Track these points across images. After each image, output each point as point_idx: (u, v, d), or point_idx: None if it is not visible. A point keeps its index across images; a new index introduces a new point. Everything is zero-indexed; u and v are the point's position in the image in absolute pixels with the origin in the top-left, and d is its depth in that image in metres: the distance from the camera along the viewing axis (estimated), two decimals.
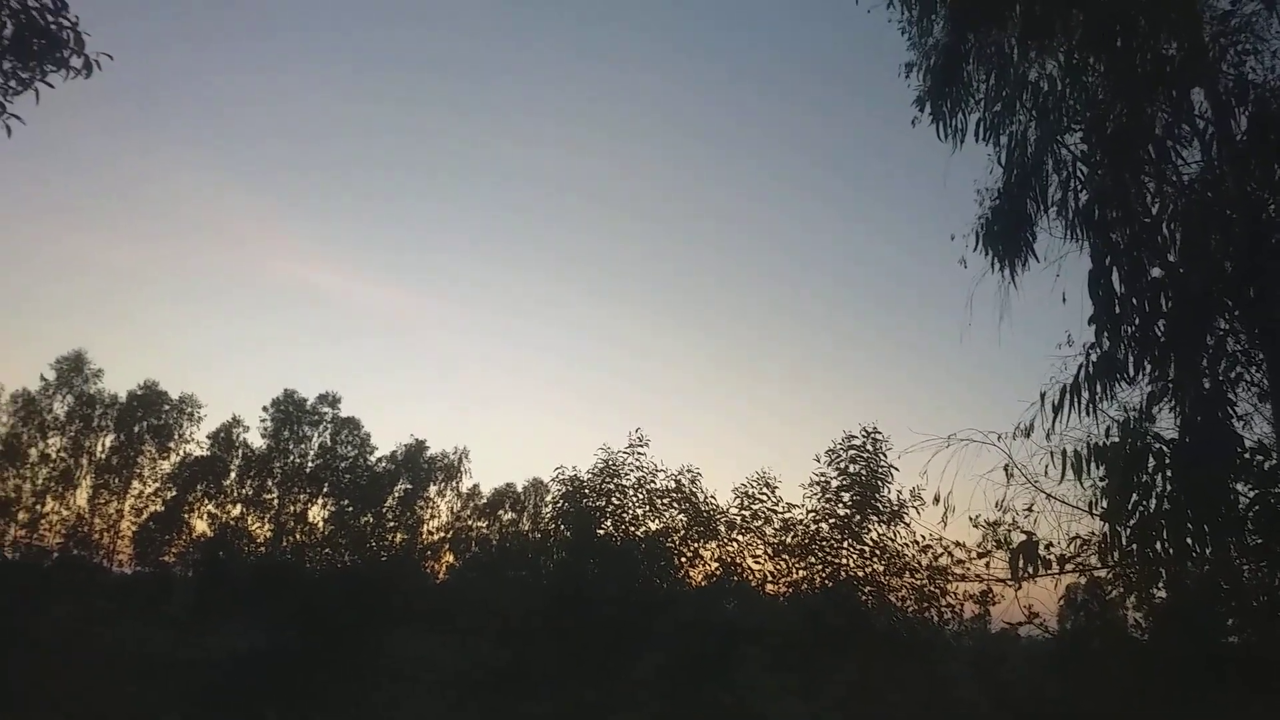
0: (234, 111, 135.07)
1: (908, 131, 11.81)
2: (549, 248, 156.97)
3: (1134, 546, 8.48)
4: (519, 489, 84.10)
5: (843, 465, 20.97)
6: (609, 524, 23.86)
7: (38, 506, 68.67)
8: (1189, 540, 8.27)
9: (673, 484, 24.06)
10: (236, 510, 73.25)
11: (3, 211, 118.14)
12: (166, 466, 72.16)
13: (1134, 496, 8.29)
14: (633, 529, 23.92)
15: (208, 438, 73.08)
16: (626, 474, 24.19)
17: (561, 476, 24.82)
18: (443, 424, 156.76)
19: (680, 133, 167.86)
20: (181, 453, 72.57)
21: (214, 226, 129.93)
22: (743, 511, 22.30)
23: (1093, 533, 9.23)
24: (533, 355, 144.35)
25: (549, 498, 32.03)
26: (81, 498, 70.59)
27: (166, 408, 72.33)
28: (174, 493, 71.34)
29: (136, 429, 71.56)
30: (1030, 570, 9.06)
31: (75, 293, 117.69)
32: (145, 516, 70.81)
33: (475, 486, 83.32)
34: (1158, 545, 8.40)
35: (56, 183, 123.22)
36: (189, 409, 72.86)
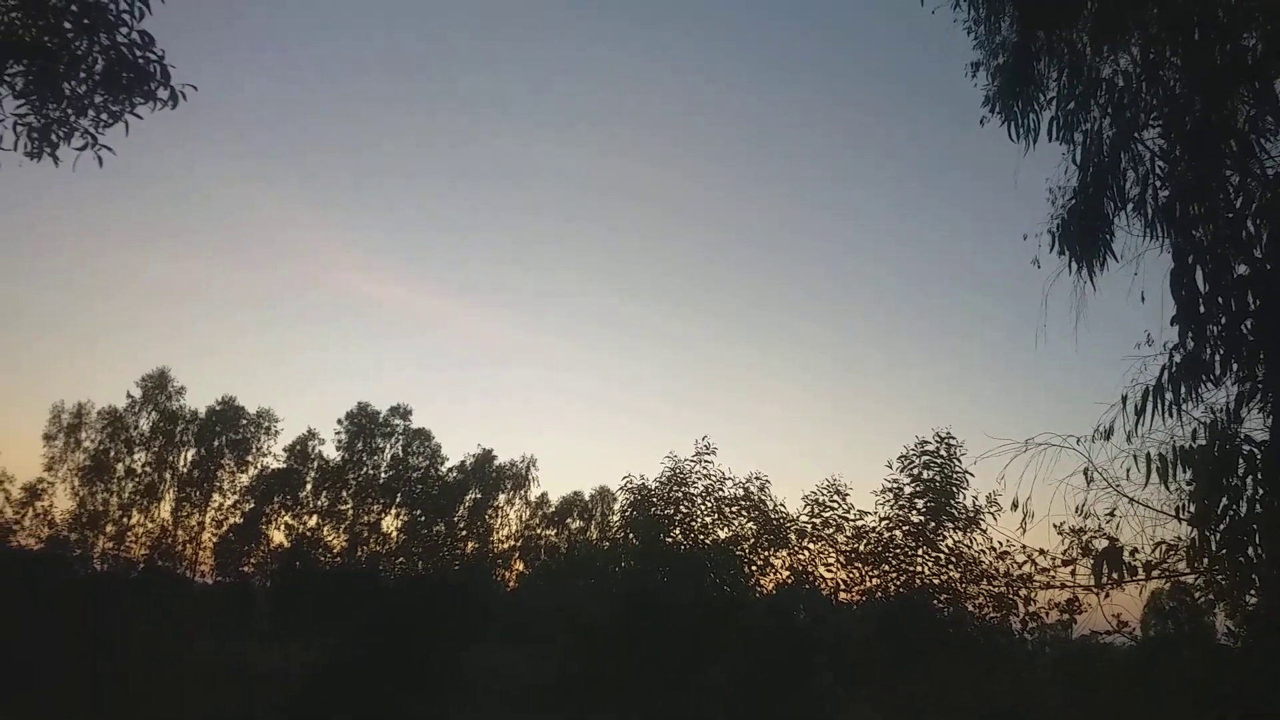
0: (297, 126, 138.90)
1: (976, 131, 11.65)
2: (613, 256, 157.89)
3: (1224, 552, 8.24)
4: (586, 497, 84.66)
5: (915, 471, 20.72)
6: (677, 532, 23.87)
7: (124, 519, 71.25)
8: None
9: (741, 492, 24.00)
10: (313, 521, 74.99)
11: (78, 236, 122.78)
12: (245, 479, 74.32)
13: (1223, 500, 8.06)
14: (701, 537, 23.90)
15: (284, 451, 75.07)
16: (694, 482, 24.20)
17: (629, 485, 24.92)
18: (510, 434, 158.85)
19: (746, 138, 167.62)
20: (259, 466, 74.67)
21: (283, 243, 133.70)
22: (813, 519, 22.18)
23: (1179, 538, 8.97)
24: (599, 363, 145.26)
25: (617, 506, 32.23)
26: (165, 510, 73.06)
27: (244, 422, 74.46)
28: (252, 505, 73.31)
29: (216, 443, 73.75)
30: (1115, 577, 8.84)
31: (158, 314, 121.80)
32: (225, 528, 72.90)
33: (544, 495, 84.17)
34: (1249, 550, 8.16)
35: (129, 205, 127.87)
36: (266, 423, 74.96)
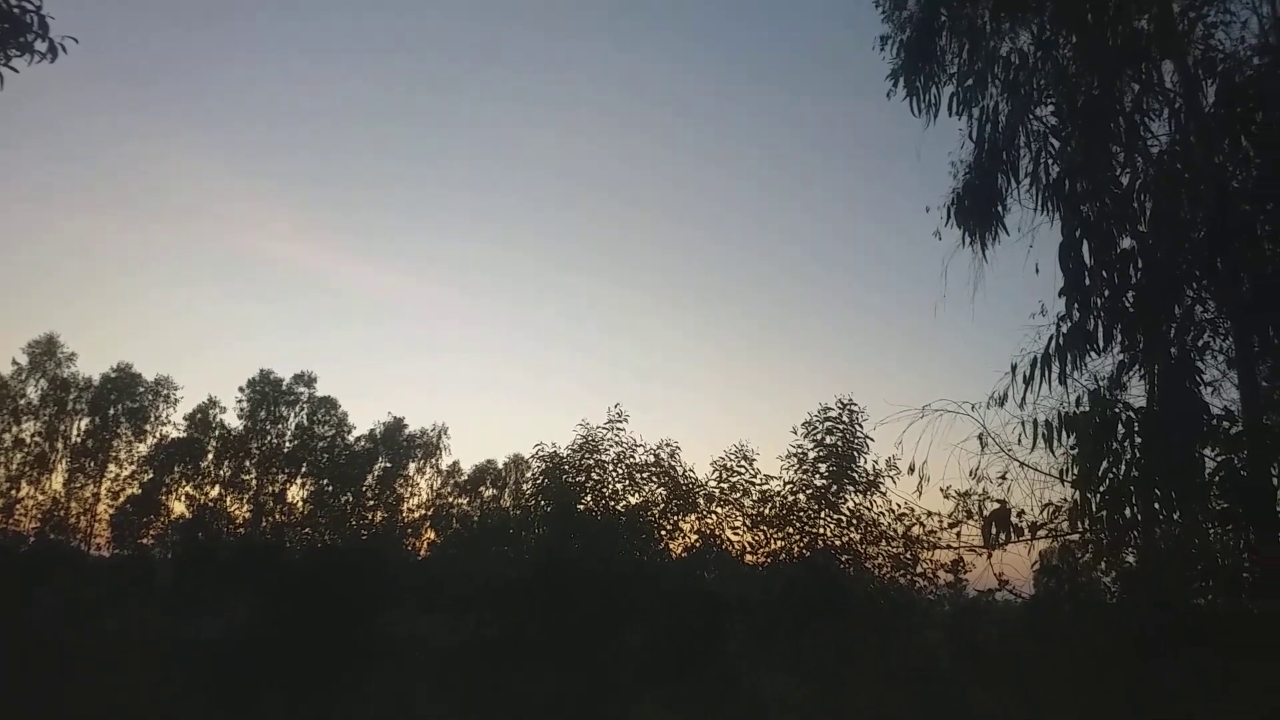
0: (195, 78, 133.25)
1: (883, 104, 11.92)
2: (524, 226, 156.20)
3: (1104, 512, 8.66)
4: (499, 466, 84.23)
5: (819, 437, 21.13)
6: (589, 499, 23.94)
7: (12, 491, 68.16)
8: (1157, 505, 8.48)
9: (652, 459, 24.14)
10: (215, 492, 72.94)
11: None
12: (143, 449, 71.79)
13: (1104, 463, 8.46)
14: (613, 503, 24.02)
15: (184, 419, 72.71)
16: (606, 449, 24.23)
17: (541, 453, 24.81)
18: (422, 403, 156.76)
19: (652, 109, 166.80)
20: (158, 435, 72.21)
21: (189, 207, 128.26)
22: (721, 484, 22.45)
23: (1065, 499, 9.40)
24: (510, 333, 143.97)
25: (529, 474, 32.11)
26: (57, 482, 70.19)
27: (141, 390, 71.83)
28: (151, 475, 70.90)
29: (111, 412, 71.03)
30: (1003, 537, 9.22)
31: (47, 275, 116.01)
32: (122, 500, 70.40)
33: (455, 464, 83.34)
34: (1127, 511, 8.60)
35: (35, 165, 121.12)
36: (164, 391, 72.48)
